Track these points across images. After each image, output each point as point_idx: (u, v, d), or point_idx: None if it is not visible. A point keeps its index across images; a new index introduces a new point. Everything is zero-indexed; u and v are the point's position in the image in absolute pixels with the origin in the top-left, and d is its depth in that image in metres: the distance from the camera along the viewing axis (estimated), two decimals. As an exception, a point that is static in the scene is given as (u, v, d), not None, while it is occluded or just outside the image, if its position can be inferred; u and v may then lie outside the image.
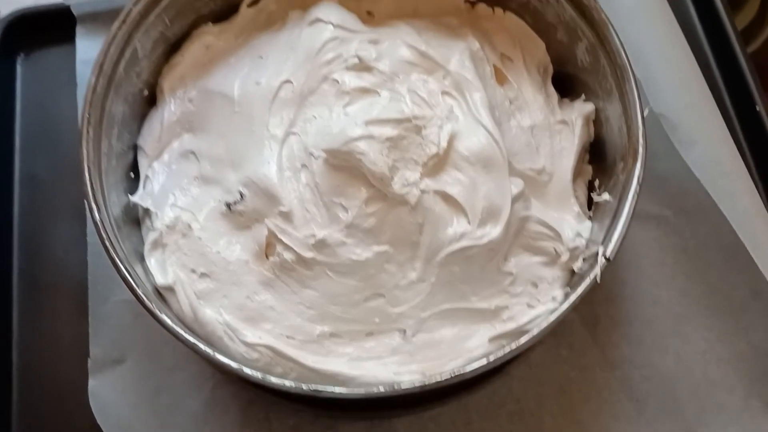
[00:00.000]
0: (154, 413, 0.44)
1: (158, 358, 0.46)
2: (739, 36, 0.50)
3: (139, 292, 0.37)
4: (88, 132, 0.40)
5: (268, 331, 0.42)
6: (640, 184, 0.38)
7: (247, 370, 0.36)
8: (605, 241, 0.38)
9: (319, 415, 0.45)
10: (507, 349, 0.36)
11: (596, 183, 0.46)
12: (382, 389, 0.36)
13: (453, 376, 0.36)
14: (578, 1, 0.43)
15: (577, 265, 0.42)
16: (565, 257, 0.43)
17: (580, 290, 0.37)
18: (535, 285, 0.43)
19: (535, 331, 0.36)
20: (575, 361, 0.46)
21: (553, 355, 0.46)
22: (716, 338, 0.46)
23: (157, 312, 0.37)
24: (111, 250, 0.37)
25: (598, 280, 0.37)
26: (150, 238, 0.44)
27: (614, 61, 0.42)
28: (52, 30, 0.55)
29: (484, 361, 0.36)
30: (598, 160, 0.46)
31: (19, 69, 0.55)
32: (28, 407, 0.46)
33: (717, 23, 0.51)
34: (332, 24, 0.46)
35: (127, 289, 0.42)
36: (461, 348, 0.42)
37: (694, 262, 0.46)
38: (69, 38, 0.53)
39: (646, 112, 0.41)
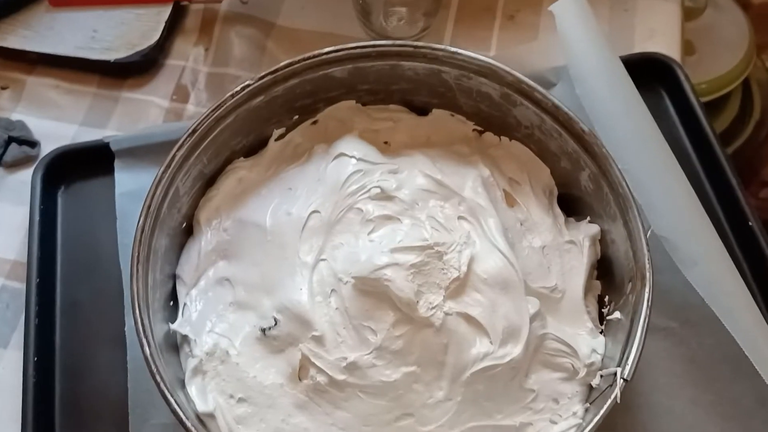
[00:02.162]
0: None
1: (196, 481, 0.47)
2: (730, 159, 0.54)
3: (188, 423, 0.39)
4: (137, 270, 0.43)
5: (304, 452, 0.44)
6: (650, 308, 0.42)
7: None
8: (622, 362, 0.41)
9: None
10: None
11: (606, 299, 0.49)
12: None
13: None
14: (579, 136, 0.48)
15: (595, 381, 0.45)
16: (582, 373, 0.45)
17: (602, 411, 0.40)
18: (556, 401, 0.45)
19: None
20: (596, 472, 0.47)
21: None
22: (727, 444, 0.48)
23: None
24: (161, 385, 0.40)
25: (618, 400, 0.39)
26: (190, 365, 0.46)
27: (616, 191, 0.46)
28: (91, 164, 0.58)
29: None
30: (607, 274, 0.50)
31: (60, 201, 0.58)
32: None
33: (708, 148, 0.56)
34: (355, 158, 0.50)
35: (164, 413, 0.44)
36: (488, 465, 0.44)
37: (702, 372, 0.49)
38: (107, 172, 0.57)
39: (648, 233, 0.44)
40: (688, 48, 1.03)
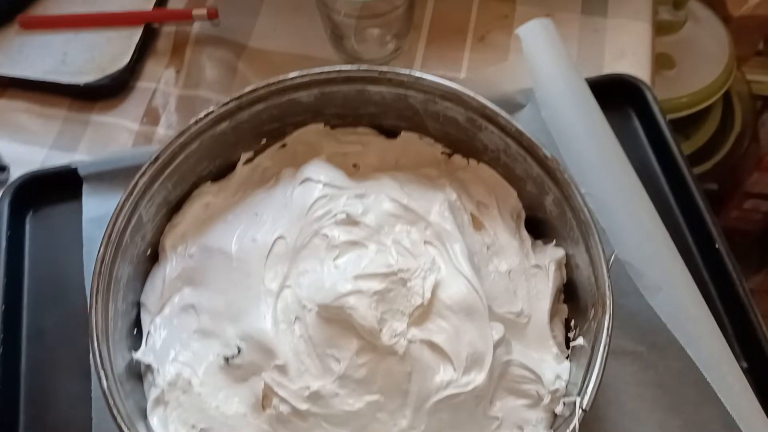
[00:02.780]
0: None
1: None
2: (697, 180, 0.54)
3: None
4: (96, 301, 0.43)
5: (267, 484, 0.43)
6: (610, 335, 0.41)
7: None
8: (581, 392, 0.41)
9: None
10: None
11: (572, 323, 0.49)
12: None
13: None
14: (542, 161, 0.48)
15: (559, 409, 0.44)
16: (546, 400, 0.45)
17: (560, 441, 0.39)
18: (521, 428, 0.45)
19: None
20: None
21: (542, 495, 0.47)
22: (696, 470, 0.47)
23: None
24: (118, 418, 0.40)
25: (576, 431, 0.39)
26: (152, 395, 0.46)
27: (578, 217, 0.46)
28: (60, 190, 0.58)
29: None
30: (572, 299, 0.50)
31: (28, 227, 0.58)
32: None
33: (676, 169, 0.56)
34: (321, 182, 0.50)
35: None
36: (454, 495, 0.43)
37: (669, 397, 0.49)
38: (76, 197, 0.57)
39: (612, 260, 0.44)
40: (668, 62, 1.03)
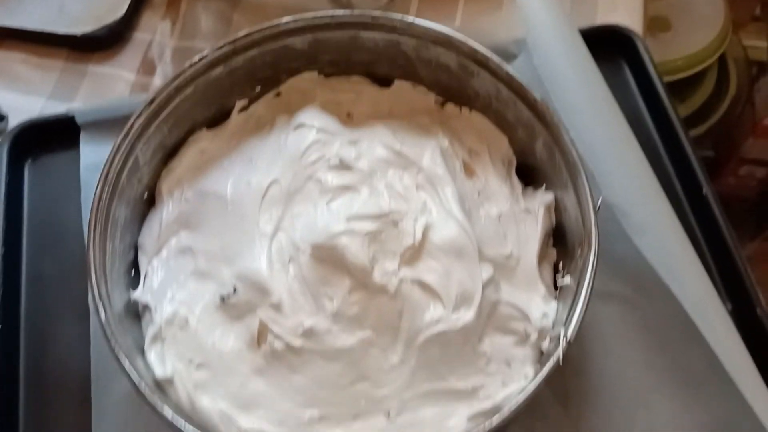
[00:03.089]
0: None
1: (158, 447, 0.48)
2: (685, 127, 0.55)
3: (142, 388, 0.40)
4: (94, 238, 0.44)
5: (261, 416, 0.44)
6: (595, 271, 0.42)
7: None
8: (566, 324, 0.42)
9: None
10: (482, 428, 0.39)
11: (560, 265, 0.50)
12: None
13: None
14: (532, 105, 0.48)
15: (545, 345, 0.45)
16: (533, 337, 0.46)
17: (545, 370, 0.41)
18: (509, 364, 0.46)
19: (505, 411, 0.40)
20: (550, 434, 0.49)
21: (528, 430, 0.49)
22: (680, 409, 0.48)
23: (157, 405, 0.40)
24: (116, 350, 0.41)
25: (560, 362, 0.40)
26: (150, 332, 0.47)
27: (567, 158, 0.46)
28: (58, 138, 0.59)
29: (462, 440, 0.39)
30: (561, 243, 0.50)
31: (26, 174, 0.59)
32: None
33: (665, 118, 0.56)
34: (315, 127, 0.51)
35: (126, 382, 0.45)
36: (442, 427, 0.44)
37: (655, 337, 0.50)
38: (73, 145, 0.58)
39: (599, 202, 0.45)
40: (664, 24, 1.04)
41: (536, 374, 0.44)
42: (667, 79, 1.01)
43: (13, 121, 0.62)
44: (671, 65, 1.03)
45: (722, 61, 1.13)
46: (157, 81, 0.63)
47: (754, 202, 1.31)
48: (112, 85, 0.64)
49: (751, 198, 1.31)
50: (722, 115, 1.15)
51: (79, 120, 0.58)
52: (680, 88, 1.09)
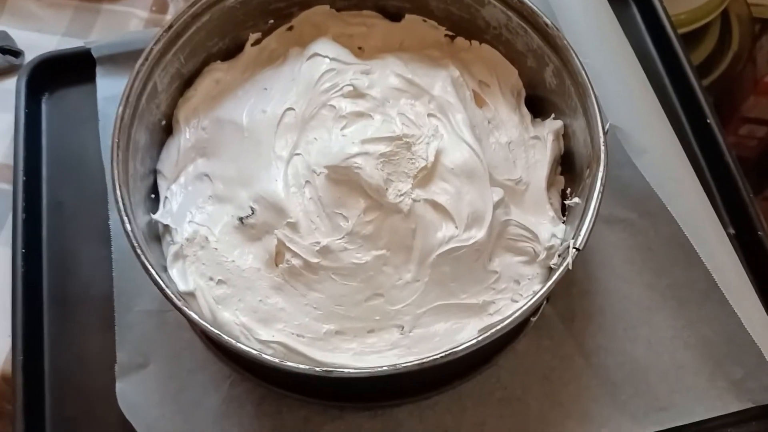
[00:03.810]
0: (178, 410, 0.48)
1: (179, 362, 0.50)
2: (692, 63, 0.56)
3: (169, 292, 0.42)
4: (117, 155, 0.45)
5: (280, 330, 0.46)
6: (604, 185, 0.44)
7: (267, 357, 0.41)
8: (575, 235, 0.43)
9: (327, 406, 0.49)
10: (491, 332, 0.41)
11: (568, 191, 0.51)
12: (386, 368, 0.40)
13: (445, 355, 0.40)
14: (543, 31, 0.49)
15: (553, 262, 0.47)
16: (542, 256, 0.48)
17: (555, 276, 0.42)
18: (518, 282, 0.48)
19: (516, 314, 0.41)
20: (556, 351, 0.50)
21: (535, 346, 0.50)
22: (682, 326, 0.50)
23: (185, 309, 0.41)
24: (142, 257, 0.42)
25: (570, 267, 0.42)
26: (171, 250, 0.48)
27: (577, 82, 0.48)
28: (74, 71, 0.60)
29: (473, 342, 0.41)
30: (569, 170, 0.52)
31: (44, 107, 0.60)
32: (61, 411, 0.50)
33: (672, 54, 0.57)
34: (329, 57, 0.52)
35: (148, 299, 0.46)
36: (453, 340, 0.46)
37: (659, 259, 0.52)
38: (89, 78, 0.59)
39: (607, 126, 0.46)
40: (667, -23, 1.04)
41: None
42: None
43: (29, 57, 0.63)
44: (675, 19, 1.03)
45: (725, 17, 1.14)
46: (170, 18, 0.64)
47: (754, 161, 1.31)
48: (125, 23, 0.64)
49: (751, 158, 1.32)
50: (724, 72, 1.15)
51: (95, 53, 0.59)
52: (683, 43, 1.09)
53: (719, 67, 1.17)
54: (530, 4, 0.49)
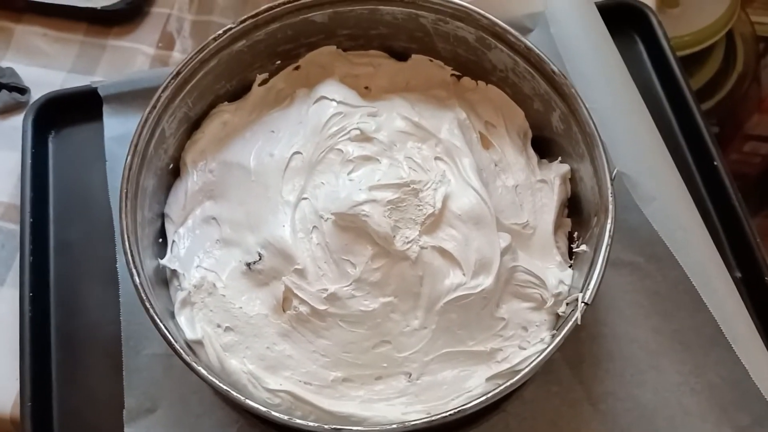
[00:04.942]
0: (185, 457, 0.49)
1: (187, 407, 0.50)
2: (697, 100, 0.56)
3: (177, 347, 0.42)
4: (126, 205, 0.46)
5: (288, 378, 0.46)
6: (612, 237, 0.44)
7: (276, 414, 0.41)
8: (584, 288, 0.43)
9: (334, 454, 0.49)
10: (501, 387, 0.41)
11: (575, 235, 0.51)
12: (395, 426, 0.40)
13: (455, 412, 0.40)
14: (550, 77, 0.49)
15: (561, 310, 0.47)
16: (550, 302, 0.48)
17: (564, 331, 0.42)
18: (525, 329, 0.48)
19: (525, 370, 0.41)
20: (564, 397, 0.50)
21: (544, 392, 0.50)
22: (689, 371, 0.50)
23: (194, 364, 0.42)
24: (151, 311, 0.42)
25: (579, 322, 0.42)
26: (179, 297, 0.48)
27: (584, 130, 0.48)
28: (81, 110, 0.60)
29: (482, 399, 0.41)
30: (576, 213, 0.52)
31: (51, 145, 0.60)
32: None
33: (678, 91, 0.57)
34: (335, 101, 0.52)
35: (156, 343, 0.46)
36: (461, 388, 0.46)
37: (666, 303, 0.51)
38: (96, 117, 0.59)
39: (614, 173, 0.47)
40: (672, 0, 1.04)
41: (553, 338, 0.46)
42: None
43: (35, 95, 0.63)
44: (679, 41, 1.04)
45: (730, 37, 1.14)
46: (176, 55, 0.64)
47: (757, 178, 1.32)
48: (131, 59, 0.65)
49: (755, 174, 1.32)
50: (728, 92, 1.15)
51: (102, 92, 0.59)
52: (687, 64, 1.09)
53: (724, 87, 1.17)
54: (537, 51, 0.49)
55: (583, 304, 0.42)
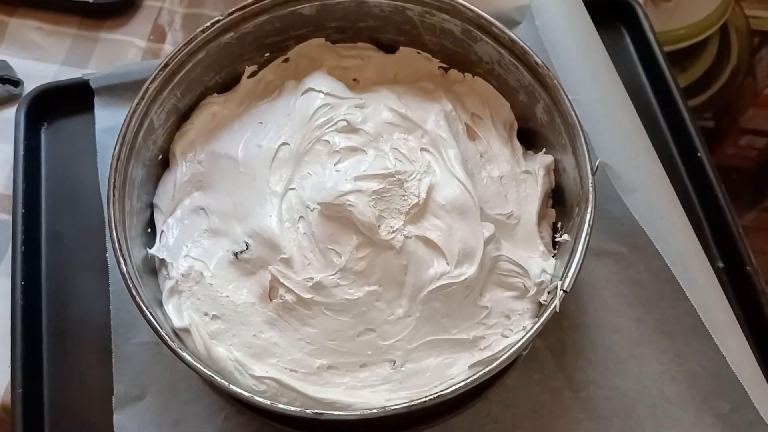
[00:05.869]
0: (173, 442, 0.49)
1: (175, 394, 0.51)
2: (682, 92, 0.56)
3: (163, 333, 0.43)
4: (114, 195, 0.46)
5: (273, 365, 0.47)
6: (591, 226, 0.44)
7: (258, 399, 0.41)
8: (563, 276, 0.44)
9: (319, 440, 0.50)
10: (479, 374, 0.42)
11: (559, 225, 0.52)
12: (375, 411, 0.41)
13: (435, 397, 0.41)
14: (534, 69, 0.50)
15: (543, 298, 0.48)
16: (532, 291, 0.48)
17: (543, 318, 0.43)
18: (508, 317, 0.48)
19: (503, 357, 0.42)
20: (546, 385, 0.51)
21: (526, 380, 0.51)
22: (670, 360, 0.51)
23: (179, 350, 0.42)
24: (137, 298, 0.43)
25: (557, 309, 0.43)
26: (167, 285, 0.49)
27: (566, 121, 0.48)
28: (73, 102, 0.61)
29: (461, 384, 0.42)
30: (560, 204, 0.53)
31: (43, 137, 0.61)
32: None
33: (663, 84, 0.58)
34: (323, 92, 0.53)
35: (145, 332, 0.47)
36: (444, 375, 0.47)
37: (648, 293, 0.52)
38: (87, 109, 0.60)
39: (596, 164, 0.47)
40: (666, -8, 1.04)
41: (533, 326, 0.47)
42: (669, 48, 1.02)
43: (28, 87, 0.63)
44: (673, 34, 1.04)
45: (724, 30, 1.14)
46: (168, 48, 0.65)
47: (753, 172, 1.32)
48: (123, 52, 0.65)
49: (750, 168, 1.32)
50: (723, 85, 1.15)
51: (93, 85, 0.60)
52: (682, 58, 1.10)
53: (719, 80, 1.17)
54: (521, 43, 0.50)
55: (562, 291, 0.43)
